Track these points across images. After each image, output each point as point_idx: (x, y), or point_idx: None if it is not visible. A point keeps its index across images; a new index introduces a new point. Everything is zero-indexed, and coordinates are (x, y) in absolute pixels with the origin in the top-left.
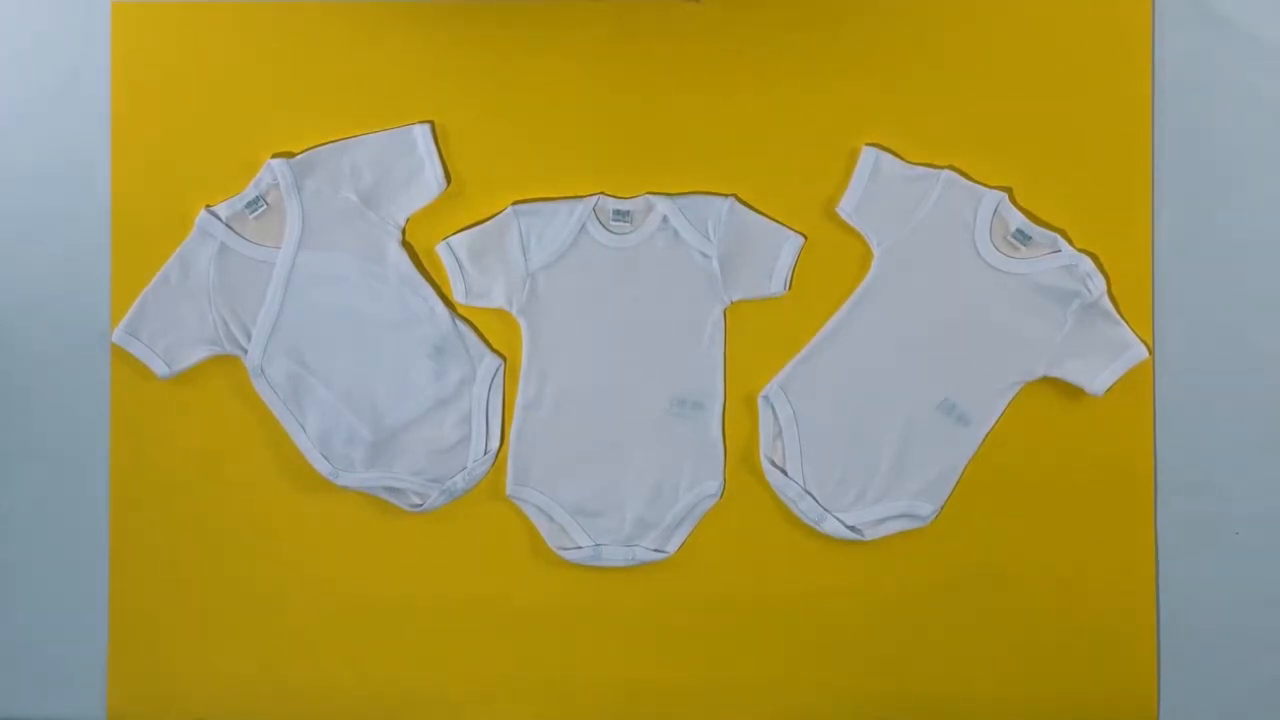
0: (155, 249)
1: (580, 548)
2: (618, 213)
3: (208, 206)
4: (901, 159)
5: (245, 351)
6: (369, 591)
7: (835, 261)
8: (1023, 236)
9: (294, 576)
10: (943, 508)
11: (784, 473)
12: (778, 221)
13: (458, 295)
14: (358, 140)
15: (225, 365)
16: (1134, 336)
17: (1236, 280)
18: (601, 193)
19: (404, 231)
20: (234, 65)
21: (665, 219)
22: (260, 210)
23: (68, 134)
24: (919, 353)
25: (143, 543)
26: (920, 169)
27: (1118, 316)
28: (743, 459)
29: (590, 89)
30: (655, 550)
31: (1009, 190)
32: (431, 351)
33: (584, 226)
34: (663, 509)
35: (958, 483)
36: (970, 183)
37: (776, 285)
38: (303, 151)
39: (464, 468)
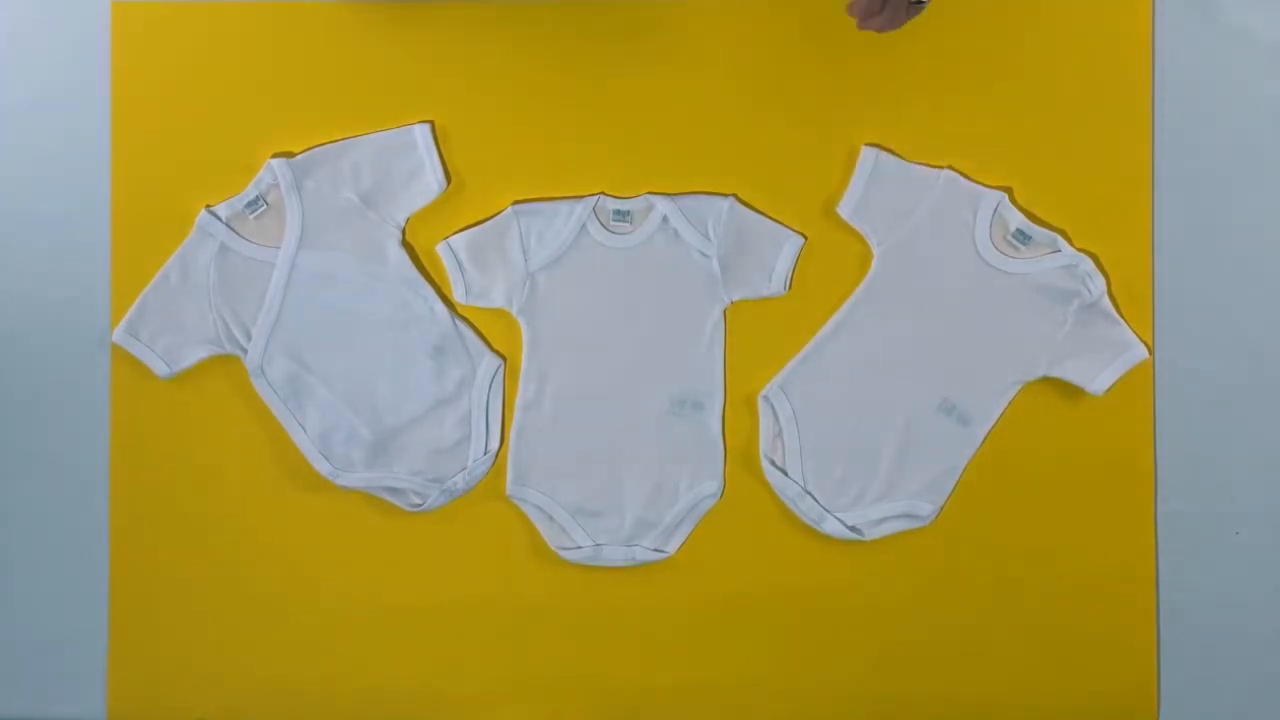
0: (155, 249)
1: (580, 548)
2: (618, 213)
3: (208, 206)
4: (901, 159)
5: (245, 351)
6: (369, 591)
7: (835, 261)
8: (1023, 236)
9: (294, 576)
10: (943, 508)
11: (784, 473)
12: (778, 221)
13: (458, 295)
14: (358, 140)
15: (225, 365)
16: (1134, 336)
17: (1237, 280)
18: (601, 193)
19: (404, 231)
20: (234, 65)
21: (665, 219)
22: (260, 210)
23: (68, 134)
24: (919, 353)
25: (143, 543)
26: (920, 169)
27: (1118, 316)
28: (743, 459)
29: (590, 89)
30: (655, 550)
31: (1009, 190)
32: (431, 351)
33: (584, 226)
34: (663, 509)
35: (958, 483)
36: (970, 183)
37: (776, 285)
38: (303, 151)
39: (464, 468)
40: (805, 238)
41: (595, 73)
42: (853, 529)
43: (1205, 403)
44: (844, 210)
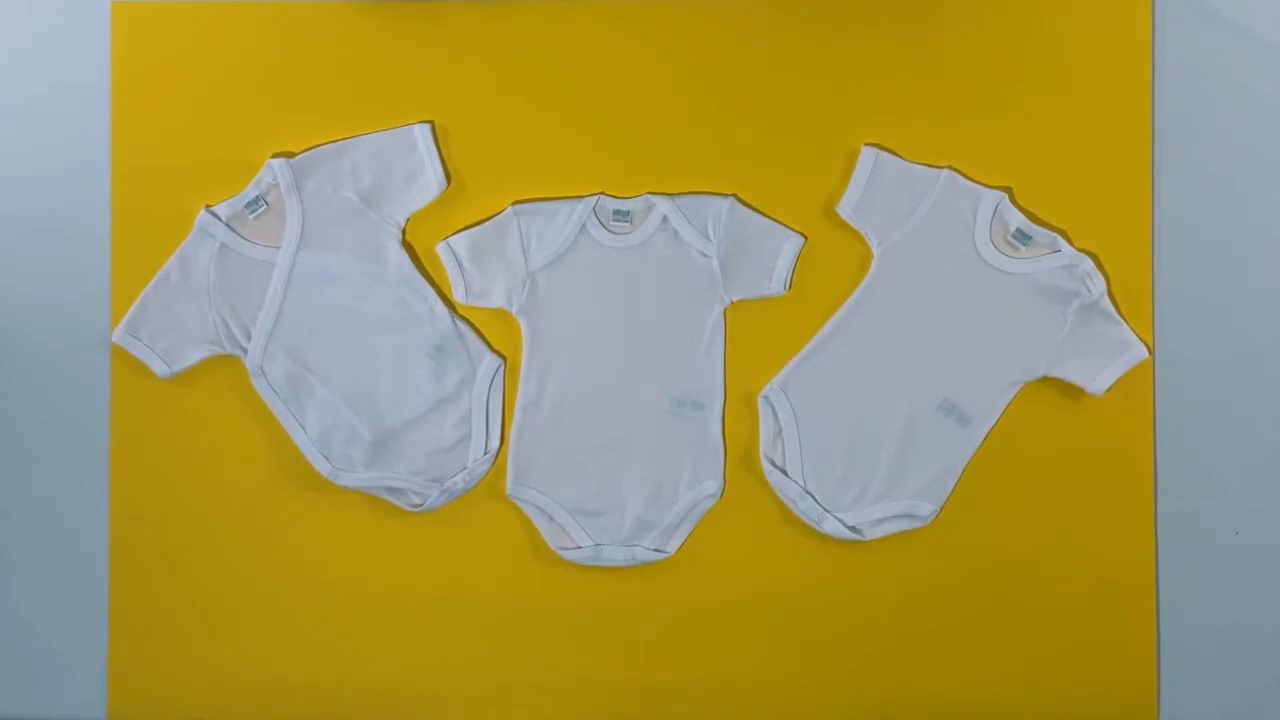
0: (155, 249)
1: (580, 548)
2: (618, 213)
3: (208, 206)
4: (901, 159)
5: (245, 351)
6: (369, 591)
7: (835, 261)
8: (1023, 236)
9: (294, 576)
10: (943, 508)
11: (784, 473)
12: (778, 221)
13: (458, 295)
14: (358, 140)
15: (225, 365)
16: (1134, 336)
17: (1237, 280)
18: (601, 193)
19: (404, 231)
20: (234, 65)
21: (665, 219)
22: (260, 210)
23: (68, 134)
24: (919, 353)
25: (143, 542)
26: (920, 169)
27: (1118, 316)
28: (743, 459)
29: (590, 89)
30: (655, 550)
31: (1009, 190)
32: (431, 351)
33: (584, 226)
34: (663, 509)
35: (958, 483)
36: (970, 183)
37: (776, 285)
38: (303, 151)
39: (464, 468)
40: (805, 238)
41: (595, 73)
42: (853, 529)
43: (1205, 403)
44: (844, 210)
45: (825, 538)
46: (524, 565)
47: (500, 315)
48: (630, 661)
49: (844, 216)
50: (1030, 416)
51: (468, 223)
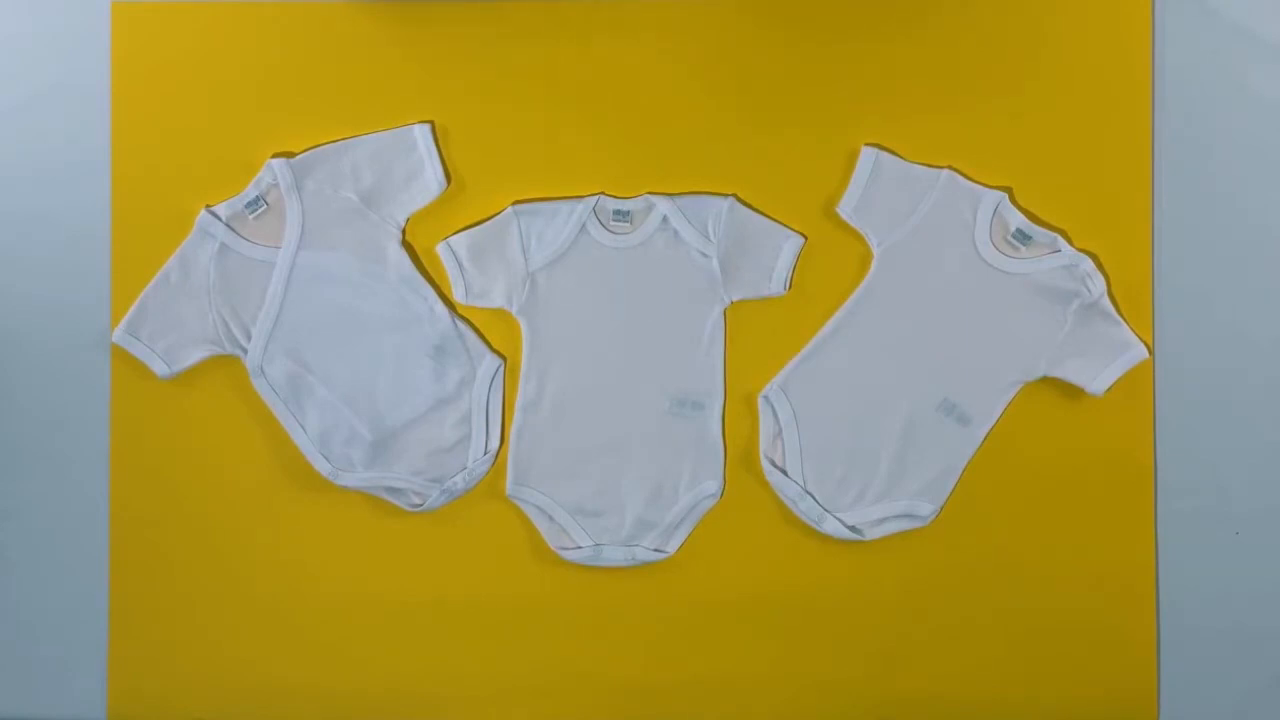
0: (155, 249)
1: (580, 548)
2: (618, 213)
3: (208, 206)
4: (901, 159)
5: (245, 351)
6: (369, 591)
7: (835, 261)
8: (1023, 236)
9: (294, 576)
10: (943, 508)
11: (784, 473)
12: (778, 221)
13: (458, 295)
14: (358, 140)
15: (225, 365)
16: (1134, 336)
17: (1237, 280)
18: (601, 193)
19: (404, 231)
20: (234, 65)
21: (665, 219)
22: (260, 210)
23: (68, 134)
24: (919, 353)
25: (143, 543)
26: (920, 169)
27: (1118, 316)
28: (743, 459)
29: (590, 89)
30: (655, 550)
31: (1009, 190)
32: (431, 351)
33: (584, 226)
34: (663, 509)
35: (958, 483)
36: (970, 183)
37: (776, 285)
38: (303, 151)
39: (464, 468)
40: (805, 238)
41: (595, 73)
42: (853, 529)
43: (1205, 403)
44: (844, 210)
45: (825, 538)
46: (524, 565)
47: (500, 315)
48: (630, 661)
49: (844, 216)
50: (1030, 416)
51: (468, 223)
